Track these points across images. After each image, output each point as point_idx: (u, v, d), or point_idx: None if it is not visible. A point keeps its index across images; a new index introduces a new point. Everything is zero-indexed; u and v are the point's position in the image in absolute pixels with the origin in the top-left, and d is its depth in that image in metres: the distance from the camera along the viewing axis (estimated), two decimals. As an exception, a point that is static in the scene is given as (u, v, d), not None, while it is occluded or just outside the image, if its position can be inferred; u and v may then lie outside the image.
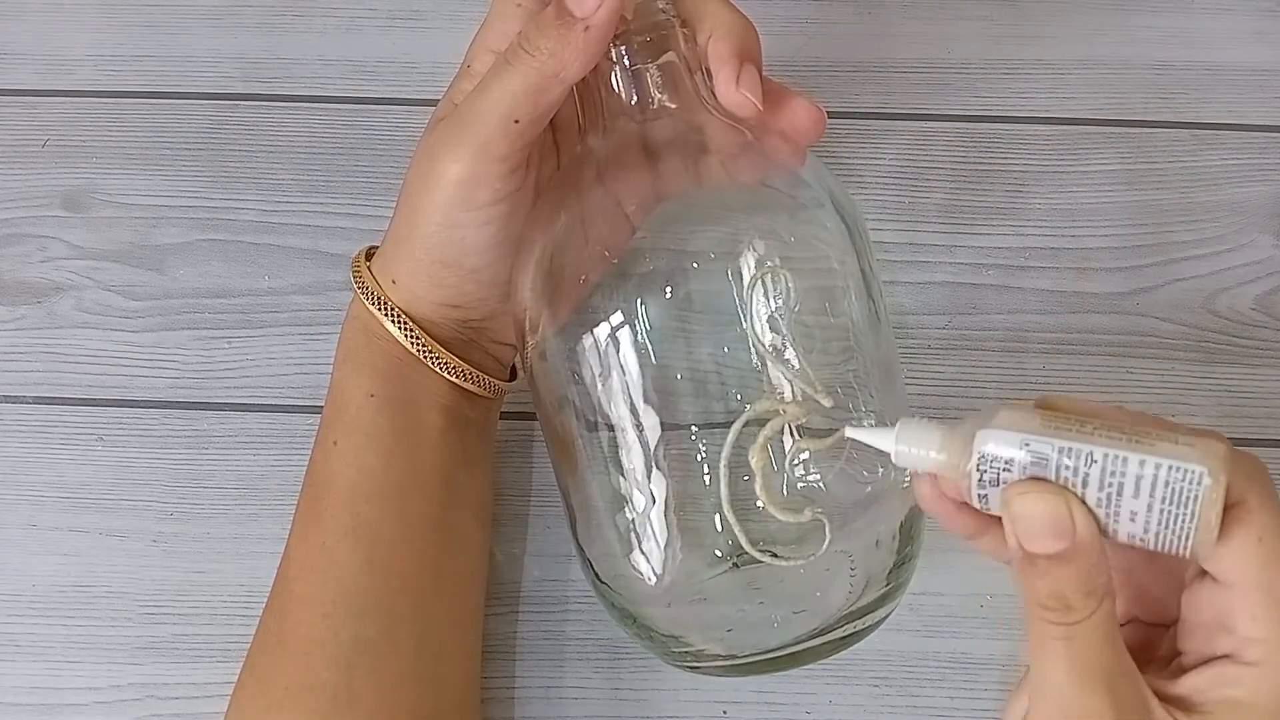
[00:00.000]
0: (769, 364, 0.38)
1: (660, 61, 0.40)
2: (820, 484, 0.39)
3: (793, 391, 0.38)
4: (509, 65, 0.39)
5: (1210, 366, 0.52)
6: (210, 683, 0.47)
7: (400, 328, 0.43)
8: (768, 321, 0.38)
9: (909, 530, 0.41)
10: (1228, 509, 0.30)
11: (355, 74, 0.57)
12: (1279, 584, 0.31)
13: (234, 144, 0.56)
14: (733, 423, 0.38)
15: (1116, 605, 0.33)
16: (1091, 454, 0.30)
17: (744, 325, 0.38)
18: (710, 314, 0.39)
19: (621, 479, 0.40)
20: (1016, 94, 0.57)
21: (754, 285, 0.38)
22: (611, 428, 0.39)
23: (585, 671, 0.47)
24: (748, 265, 0.38)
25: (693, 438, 0.39)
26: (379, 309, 0.43)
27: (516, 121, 0.39)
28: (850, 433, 0.35)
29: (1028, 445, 0.31)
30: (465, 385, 0.44)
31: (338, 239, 0.54)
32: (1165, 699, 0.33)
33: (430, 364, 0.43)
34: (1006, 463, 0.31)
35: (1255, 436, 0.51)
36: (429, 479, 0.43)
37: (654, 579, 0.40)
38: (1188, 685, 0.33)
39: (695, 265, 0.39)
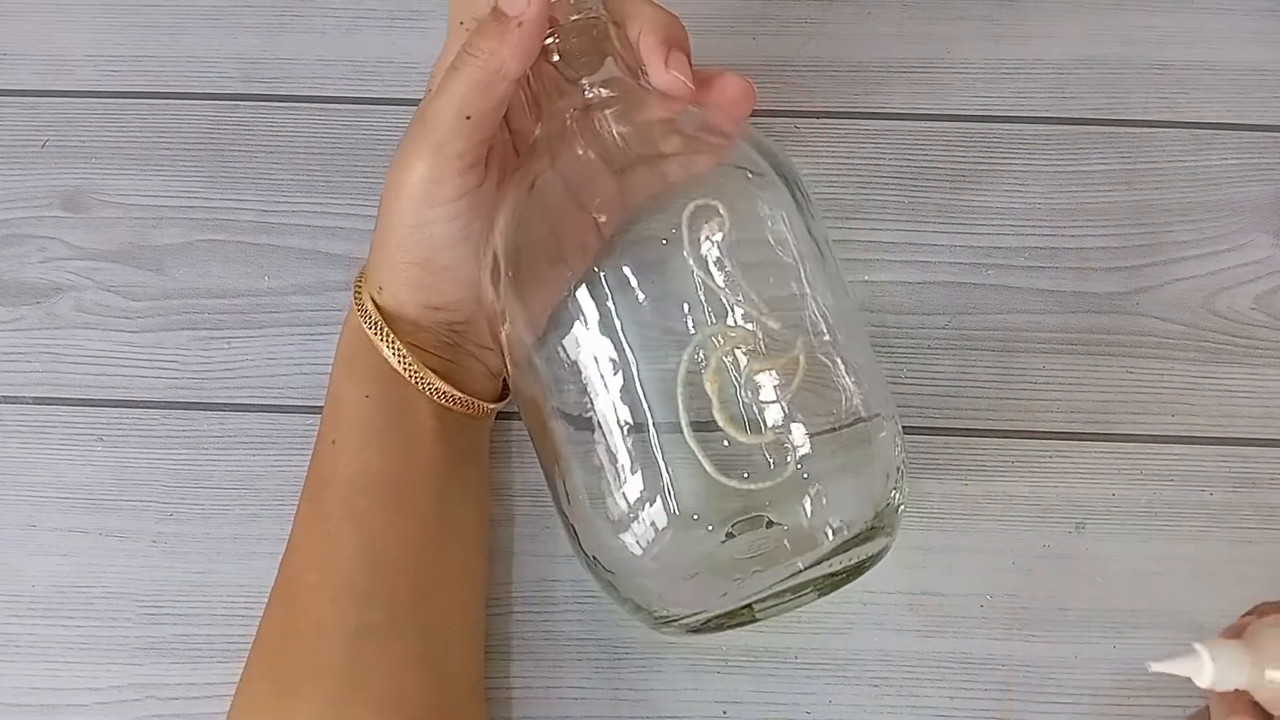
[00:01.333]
0: (716, 293, 0.39)
1: (595, 53, 0.42)
2: (782, 407, 0.39)
3: (740, 317, 0.39)
4: (456, 69, 0.42)
5: (1210, 366, 0.52)
6: (210, 683, 0.47)
7: (393, 351, 0.44)
8: (708, 254, 0.40)
9: (894, 472, 0.42)
10: None
11: (355, 74, 0.57)
12: None
13: (234, 144, 0.56)
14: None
15: None
16: None
17: (687, 263, 0.40)
18: (664, 279, 0.40)
19: (602, 459, 0.40)
20: (1016, 94, 0.57)
21: (691, 222, 0.40)
22: (586, 410, 0.40)
23: (585, 671, 0.47)
24: (686, 214, 0.40)
25: (668, 406, 0.39)
26: (373, 330, 0.44)
27: (468, 118, 0.41)
28: (1156, 667, 0.38)
29: None
30: (451, 407, 0.45)
31: (337, 239, 0.54)
32: None
33: (419, 386, 0.44)
34: None
35: (1255, 436, 0.51)
36: (425, 474, 0.44)
37: (643, 554, 0.40)
38: None
39: (645, 237, 0.41)
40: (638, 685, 0.47)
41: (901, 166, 0.55)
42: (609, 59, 0.43)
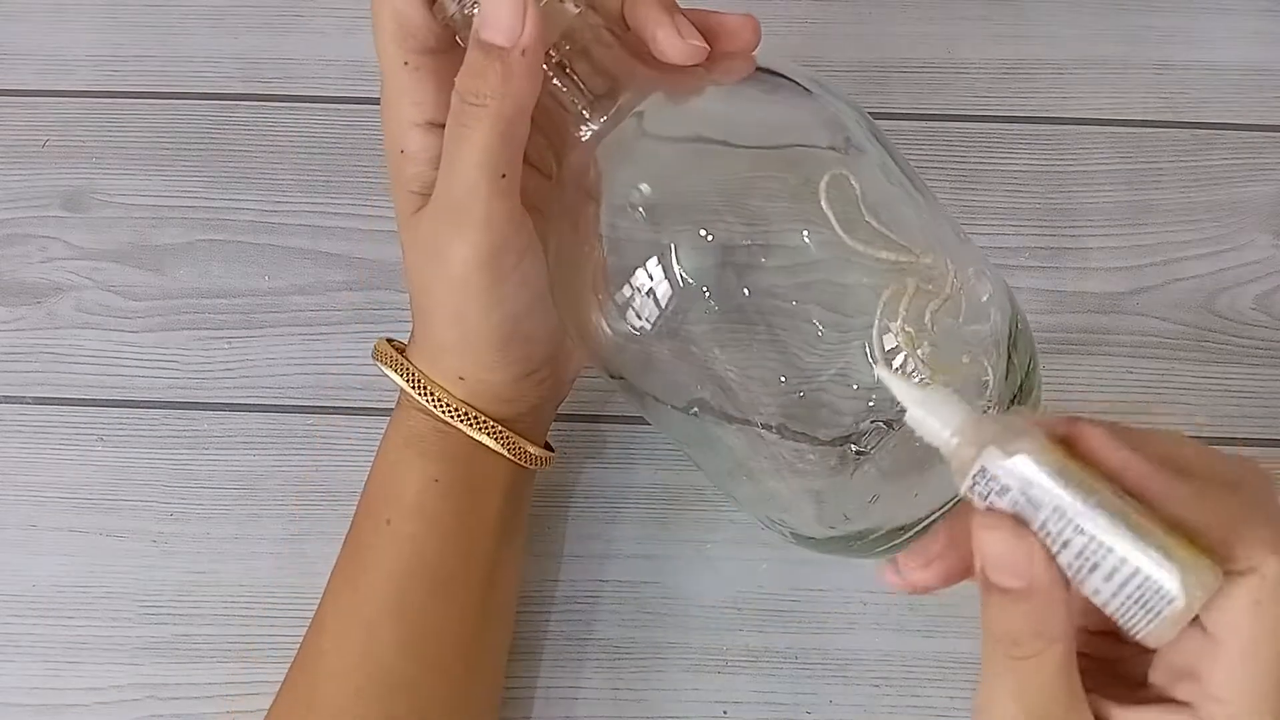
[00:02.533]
0: (871, 254, 0.37)
1: (593, 57, 0.38)
2: (962, 334, 0.38)
3: (899, 265, 0.37)
4: (466, 127, 0.36)
5: (1210, 366, 0.52)
6: (210, 683, 0.47)
7: (470, 423, 0.42)
8: (854, 221, 0.37)
9: (1015, 339, 0.41)
10: (1237, 572, 0.29)
11: (355, 74, 0.57)
12: (1264, 654, 0.30)
13: (234, 144, 0.56)
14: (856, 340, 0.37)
15: (1079, 631, 0.32)
16: (1081, 527, 0.29)
17: (838, 237, 0.37)
18: (787, 247, 0.38)
19: (768, 437, 0.38)
20: (1016, 94, 0.57)
21: (827, 194, 0.37)
22: (745, 405, 0.38)
23: (585, 671, 0.47)
24: (824, 195, 0.37)
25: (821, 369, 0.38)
26: (449, 414, 0.41)
27: (503, 176, 0.37)
28: (881, 372, 0.33)
29: (1026, 491, 0.30)
30: (525, 465, 0.43)
31: (338, 239, 0.54)
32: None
33: (510, 455, 0.42)
34: (1001, 489, 0.30)
35: (1255, 436, 0.51)
36: (482, 560, 0.43)
37: (831, 518, 0.40)
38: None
39: (763, 216, 0.38)
40: (638, 685, 0.47)
41: (901, 166, 0.55)
42: (602, 54, 0.38)
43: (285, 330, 0.53)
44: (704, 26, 0.38)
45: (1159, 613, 0.29)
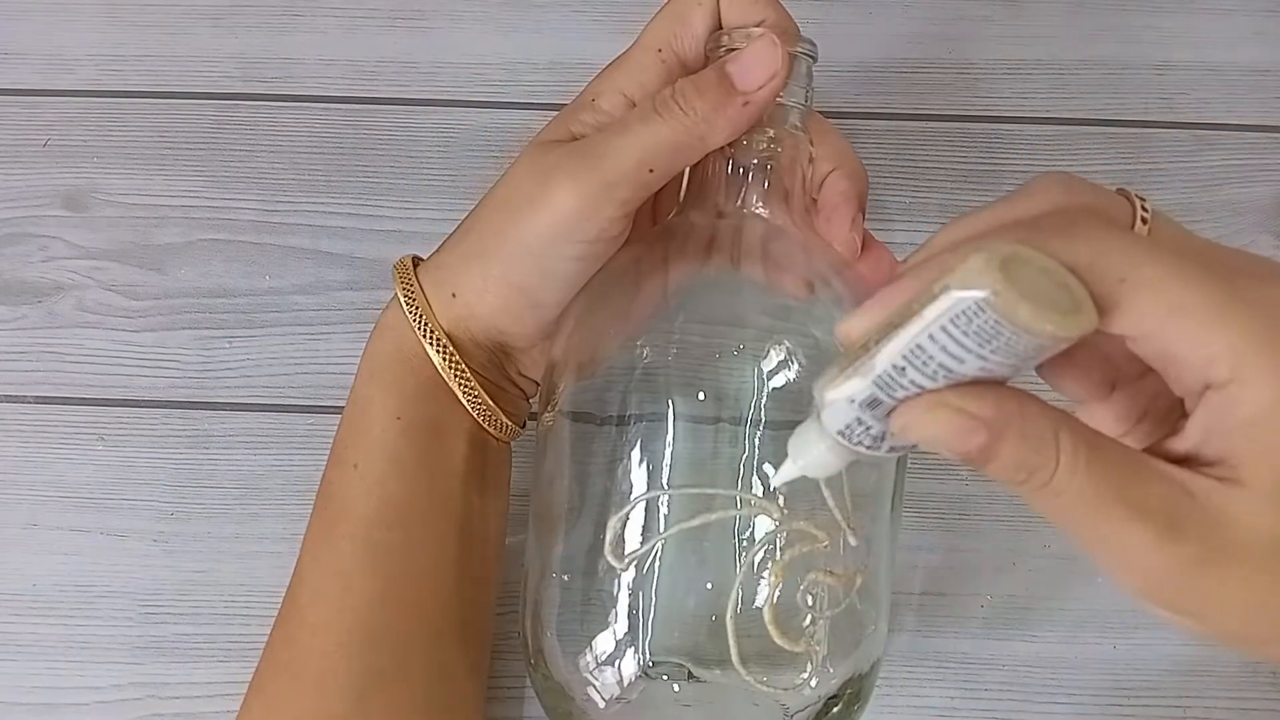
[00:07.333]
0: (813, 491, 0.37)
1: (778, 167, 0.40)
2: (823, 618, 0.38)
3: (819, 522, 0.37)
4: (657, 115, 0.39)
5: (1210, 367, 0.52)
6: (211, 682, 0.47)
7: (443, 356, 0.42)
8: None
9: (860, 689, 0.40)
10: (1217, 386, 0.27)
11: (356, 74, 0.57)
12: (1189, 302, 0.28)
13: (235, 144, 0.56)
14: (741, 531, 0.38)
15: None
16: (896, 365, 0.28)
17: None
18: (730, 417, 0.39)
19: (603, 565, 0.39)
20: (1016, 94, 0.57)
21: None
22: (605, 516, 0.39)
23: (586, 671, 0.47)
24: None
25: (694, 535, 0.38)
26: (423, 333, 0.42)
27: (650, 171, 0.39)
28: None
29: (853, 402, 0.29)
30: (486, 428, 0.43)
31: (339, 239, 0.54)
32: (1182, 462, 0.29)
33: (463, 400, 0.42)
34: (857, 423, 0.29)
35: (1255, 436, 0.51)
36: (451, 507, 0.42)
37: (610, 677, 0.39)
38: (1192, 437, 0.29)
39: (722, 362, 0.39)
40: (638, 685, 0.47)
41: (902, 166, 0.55)
42: (781, 178, 0.40)
43: (286, 330, 0.53)
44: (867, 241, 0.42)
45: (998, 323, 0.26)
